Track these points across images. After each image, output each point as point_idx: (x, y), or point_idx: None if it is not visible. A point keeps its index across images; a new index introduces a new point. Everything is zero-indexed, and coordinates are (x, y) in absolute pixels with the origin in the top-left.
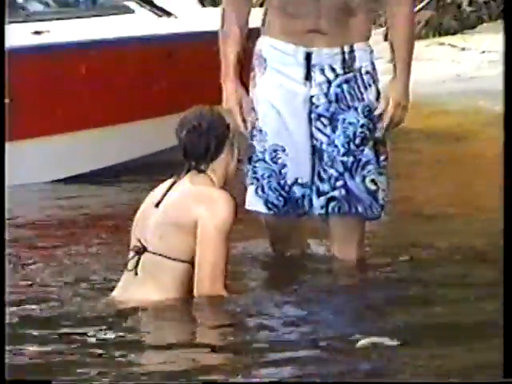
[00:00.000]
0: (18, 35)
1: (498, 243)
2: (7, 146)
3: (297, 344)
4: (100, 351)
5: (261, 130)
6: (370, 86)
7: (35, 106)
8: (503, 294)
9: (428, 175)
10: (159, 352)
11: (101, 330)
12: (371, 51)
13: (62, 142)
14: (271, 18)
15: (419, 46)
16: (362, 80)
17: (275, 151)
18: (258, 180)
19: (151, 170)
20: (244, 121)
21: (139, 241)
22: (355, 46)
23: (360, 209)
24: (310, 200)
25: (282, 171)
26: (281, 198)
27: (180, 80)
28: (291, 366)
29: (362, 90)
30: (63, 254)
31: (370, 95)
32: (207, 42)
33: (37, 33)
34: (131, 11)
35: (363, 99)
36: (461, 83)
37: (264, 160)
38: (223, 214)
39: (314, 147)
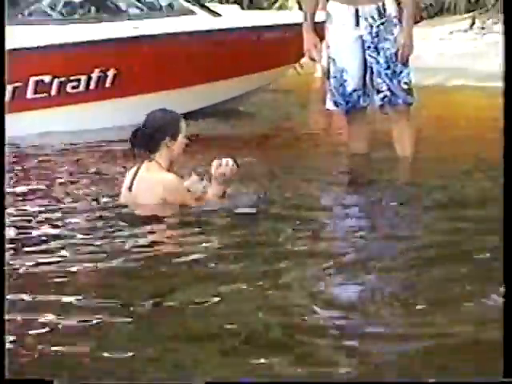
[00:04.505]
0: (122, 29)
1: None
2: None
3: None
4: None
5: (333, 59)
6: (396, 25)
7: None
8: (503, 294)
9: None
10: None
11: None
12: (398, 3)
13: None
14: None
15: None
16: (392, 22)
17: (341, 71)
18: (331, 90)
19: None
20: (315, 54)
21: None
22: (385, 1)
23: (400, 100)
24: (368, 97)
25: (345, 84)
26: (343, 101)
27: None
28: None
29: (393, 28)
30: None
31: (397, 31)
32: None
33: (135, 28)
34: (194, 13)
35: (393, 33)
36: None
37: (335, 77)
38: (171, 187)
39: (365, 67)
